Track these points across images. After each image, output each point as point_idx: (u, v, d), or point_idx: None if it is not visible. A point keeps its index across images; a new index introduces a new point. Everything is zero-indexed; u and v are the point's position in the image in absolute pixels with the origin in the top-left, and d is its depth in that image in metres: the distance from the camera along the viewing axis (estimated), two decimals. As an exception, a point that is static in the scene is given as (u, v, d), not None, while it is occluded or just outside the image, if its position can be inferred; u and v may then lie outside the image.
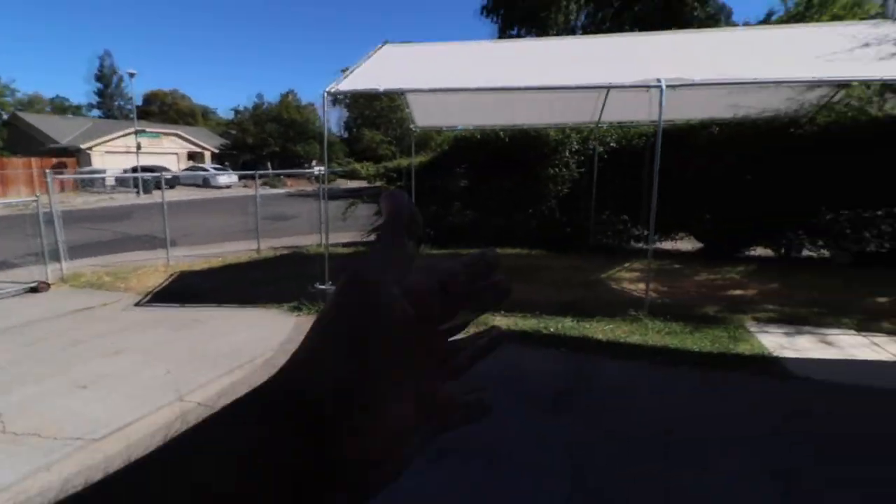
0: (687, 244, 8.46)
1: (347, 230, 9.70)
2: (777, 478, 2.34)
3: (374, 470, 0.25)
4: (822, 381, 3.36)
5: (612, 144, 8.40)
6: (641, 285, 5.03)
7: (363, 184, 10.64)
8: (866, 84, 7.02)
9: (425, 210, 9.13)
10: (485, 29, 48.05)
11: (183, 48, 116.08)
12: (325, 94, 4.46)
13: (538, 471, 2.42)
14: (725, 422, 2.82)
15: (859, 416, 2.92)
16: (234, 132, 38.35)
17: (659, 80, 4.30)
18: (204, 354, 4.05)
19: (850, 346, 4.12)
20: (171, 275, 7.04)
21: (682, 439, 2.66)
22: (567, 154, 8.50)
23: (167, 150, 33.35)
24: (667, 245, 8.52)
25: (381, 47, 6.16)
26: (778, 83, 4.73)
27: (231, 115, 45.77)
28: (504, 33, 30.60)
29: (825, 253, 7.65)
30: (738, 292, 5.72)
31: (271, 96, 66.81)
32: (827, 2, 14.95)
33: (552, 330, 4.31)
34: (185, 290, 6.14)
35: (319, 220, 5.24)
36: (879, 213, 7.12)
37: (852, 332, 4.43)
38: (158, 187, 8.00)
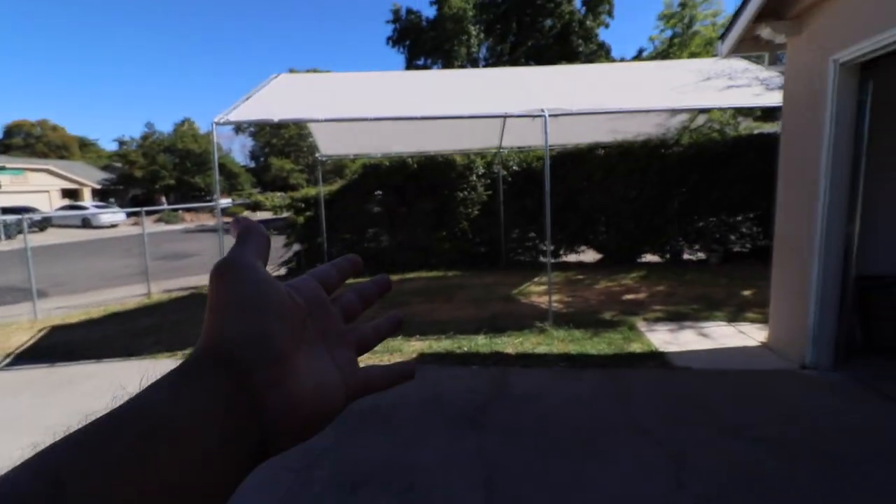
0: (590, 256, 9.18)
1: (255, 265, 9.15)
2: (671, 459, 2.58)
3: (300, 420, 0.29)
4: (700, 369, 3.80)
5: (514, 168, 8.95)
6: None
7: (272, 215, 10.16)
8: (722, 109, 8.27)
9: (338, 238, 8.96)
10: (396, 60, 49.37)
11: (52, 74, 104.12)
12: (214, 125, 4.25)
13: (453, 488, 2.42)
14: (622, 414, 3.06)
15: (729, 395, 3.33)
16: (119, 165, 34.74)
17: (543, 110, 4.70)
18: (81, 419, 3.52)
19: (723, 335, 4.71)
20: (40, 331, 6.09)
21: (586, 435, 2.83)
22: (474, 178, 8.89)
23: (36, 187, 29.26)
24: (572, 258, 9.18)
25: (276, 76, 6.04)
26: (641, 111, 5.40)
27: (115, 147, 41.39)
28: (411, 64, 31.69)
29: (702, 255, 8.73)
30: (631, 296, 6.29)
31: (163, 125, 61.82)
32: (686, 41, 17.50)
33: (466, 349, 4.40)
34: (58, 346, 5.33)
35: (220, 257, 4.87)
36: (739, 218, 8.35)
37: (724, 323, 5.07)
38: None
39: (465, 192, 8.87)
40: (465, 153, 8.93)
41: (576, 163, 8.53)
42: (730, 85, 6.05)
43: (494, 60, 30.26)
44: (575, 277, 7.76)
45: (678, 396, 3.31)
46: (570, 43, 28.73)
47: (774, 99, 5.19)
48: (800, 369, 3.74)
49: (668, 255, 8.85)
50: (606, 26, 29.96)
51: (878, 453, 2.59)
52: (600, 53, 29.24)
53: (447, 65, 29.80)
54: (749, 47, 4.66)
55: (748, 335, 4.67)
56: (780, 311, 4.22)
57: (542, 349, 4.27)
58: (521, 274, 8.07)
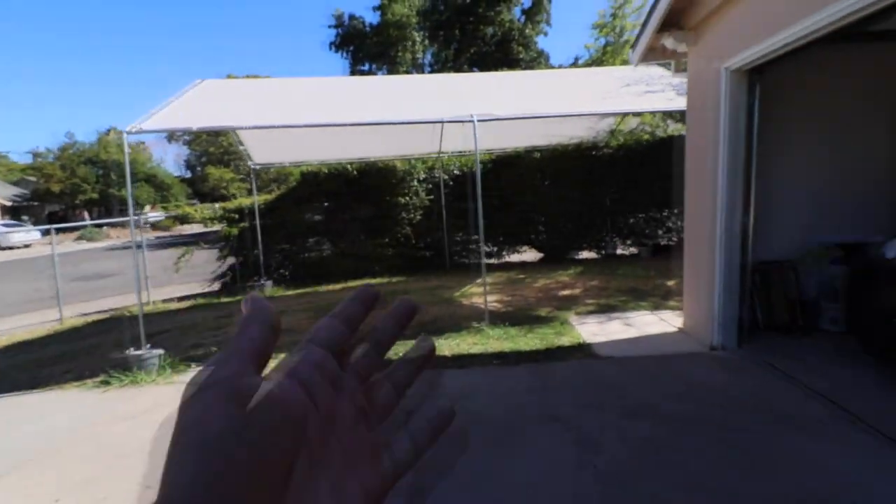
0: (532, 255, 9.47)
1: (185, 282, 8.68)
2: (580, 445, 2.71)
3: None
4: (621, 356, 4.03)
5: (455, 172, 9.08)
6: (490, 298, 5.45)
7: (203, 228, 9.68)
8: (651, 113, 8.78)
9: (276, 249, 8.68)
10: (341, 65, 48.49)
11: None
12: (125, 135, 4.01)
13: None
14: (541, 406, 3.19)
15: (641, 378, 3.56)
16: (34, 179, 31.80)
17: (472, 116, 4.82)
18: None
19: (646, 324, 5.01)
20: (-71, 366, 5.44)
21: (506, 428, 2.92)
22: (415, 183, 8.92)
23: (-66, 205, 26.22)
24: (514, 258, 9.43)
25: (201, 82, 5.78)
26: (564, 115, 5.65)
27: (30, 159, 37.74)
28: (355, 69, 31.38)
29: (634, 249, 9.25)
30: (567, 292, 6.55)
31: (84, 135, 57.04)
32: (618, 49, 18.53)
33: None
34: (-49, 381, 4.79)
35: (136, 276, 4.59)
36: (665, 213, 8.94)
37: (648, 312, 5.39)
38: None
39: (407, 198, 8.89)
40: (406, 159, 8.96)
41: (513, 166, 8.79)
42: (647, 90, 6.48)
43: (440, 66, 30.58)
44: (516, 277, 7.97)
45: (596, 384, 3.49)
46: (510, 50, 29.57)
47: (683, 103, 5.61)
48: (709, 350, 4.06)
49: (603, 251, 9.30)
50: (545, 34, 31.16)
51: (763, 421, 2.87)
52: (540, 60, 30.32)
53: (392, 70, 29.79)
54: (658, 56, 5.01)
55: (668, 322, 5.00)
56: (692, 298, 4.56)
57: (477, 349, 4.36)
58: (464, 276, 8.17)
